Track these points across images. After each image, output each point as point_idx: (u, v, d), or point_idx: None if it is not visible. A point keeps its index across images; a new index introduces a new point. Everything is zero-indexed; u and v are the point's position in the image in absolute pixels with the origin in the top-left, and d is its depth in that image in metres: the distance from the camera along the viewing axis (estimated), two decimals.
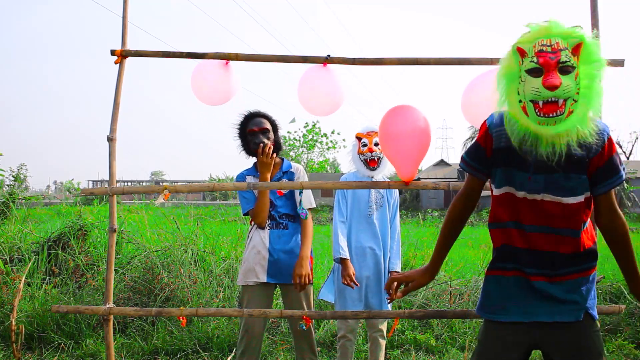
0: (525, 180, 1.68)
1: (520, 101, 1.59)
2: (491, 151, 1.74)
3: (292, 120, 26.82)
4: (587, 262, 1.70)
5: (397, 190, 3.20)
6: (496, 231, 1.77)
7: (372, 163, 3.04)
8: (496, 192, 1.77)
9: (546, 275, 1.68)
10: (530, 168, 1.67)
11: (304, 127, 44.44)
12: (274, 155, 2.87)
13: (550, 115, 1.54)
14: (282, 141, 3.04)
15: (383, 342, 3.16)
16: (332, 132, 45.49)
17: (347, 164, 3.26)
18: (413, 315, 2.62)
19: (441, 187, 2.58)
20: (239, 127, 2.96)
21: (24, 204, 8.25)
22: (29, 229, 6.02)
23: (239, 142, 2.97)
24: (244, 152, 2.96)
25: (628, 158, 41.66)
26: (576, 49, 1.55)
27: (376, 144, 3.03)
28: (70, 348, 3.93)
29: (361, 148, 3.06)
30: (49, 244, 5.17)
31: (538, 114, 1.55)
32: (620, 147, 42.89)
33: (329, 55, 2.58)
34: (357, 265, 3.02)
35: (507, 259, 1.74)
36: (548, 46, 1.55)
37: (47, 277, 4.72)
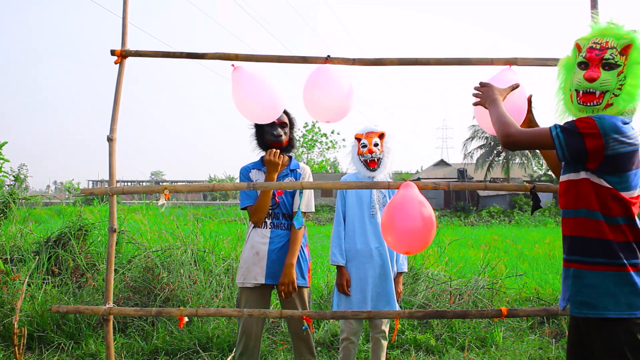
0: None
1: (569, 89, 1.83)
2: None
3: None
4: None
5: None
6: None
7: (372, 164, 3.02)
8: None
9: None
10: None
11: (304, 127, 44.48)
12: (282, 156, 2.85)
13: (588, 104, 1.75)
14: (295, 140, 3.00)
15: (385, 343, 3.15)
16: (332, 132, 45.60)
17: (347, 165, 3.23)
18: (413, 315, 2.62)
19: (441, 187, 2.57)
20: None
21: (24, 204, 8.24)
22: (29, 229, 6.02)
23: (252, 131, 2.91)
24: (255, 142, 2.92)
25: None
26: (625, 50, 1.72)
27: (375, 145, 3.02)
28: (70, 348, 3.93)
29: (361, 149, 3.04)
30: (49, 244, 5.16)
31: (579, 102, 1.78)
32: None
33: (329, 56, 2.57)
34: (363, 266, 2.99)
35: None
36: (598, 44, 1.75)
37: (47, 277, 4.71)
